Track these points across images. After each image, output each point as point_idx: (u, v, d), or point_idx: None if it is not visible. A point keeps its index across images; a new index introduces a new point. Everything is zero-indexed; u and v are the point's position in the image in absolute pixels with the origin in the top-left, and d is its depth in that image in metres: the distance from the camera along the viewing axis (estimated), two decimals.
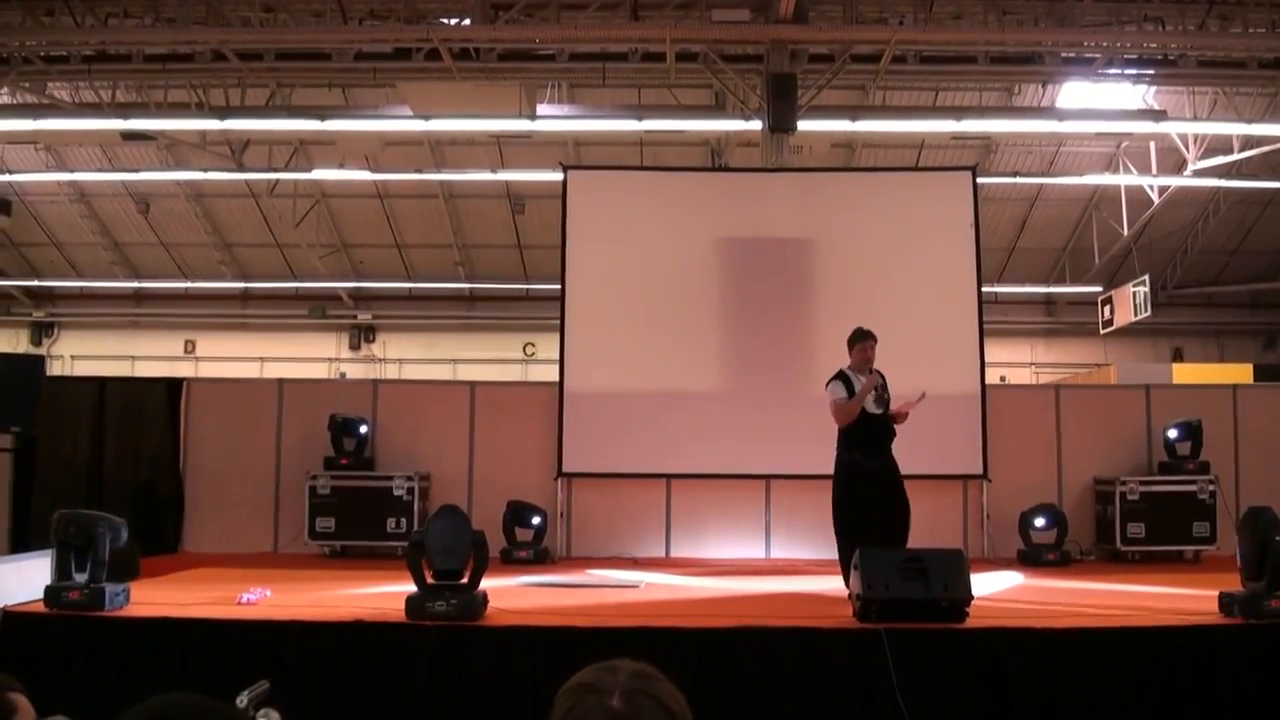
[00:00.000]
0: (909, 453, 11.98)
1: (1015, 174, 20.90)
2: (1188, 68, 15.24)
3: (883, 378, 8.94)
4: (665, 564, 11.71)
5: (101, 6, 14.73)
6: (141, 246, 24.66)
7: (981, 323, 12.43)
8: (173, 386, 13.00)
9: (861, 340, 8.97)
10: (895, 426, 8.87)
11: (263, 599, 7.96)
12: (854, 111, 16.58)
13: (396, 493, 11.88)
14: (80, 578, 7.29)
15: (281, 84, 17.06)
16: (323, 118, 16.80)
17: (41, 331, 26.37)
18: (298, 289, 25.34)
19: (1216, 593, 7.47)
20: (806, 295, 12.46)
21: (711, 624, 7.11)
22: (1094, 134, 19.26)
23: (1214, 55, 15.18)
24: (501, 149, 20.91)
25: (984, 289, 12.80)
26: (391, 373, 25.29)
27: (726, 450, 12.07)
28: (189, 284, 25.34)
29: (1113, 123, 17.64)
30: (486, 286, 25.06)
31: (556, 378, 12.50)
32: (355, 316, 25.99)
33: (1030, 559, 11.37)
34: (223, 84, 16.42)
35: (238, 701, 2.54)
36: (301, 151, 20.51)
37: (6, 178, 21.88)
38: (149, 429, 12.85)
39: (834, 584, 8.72)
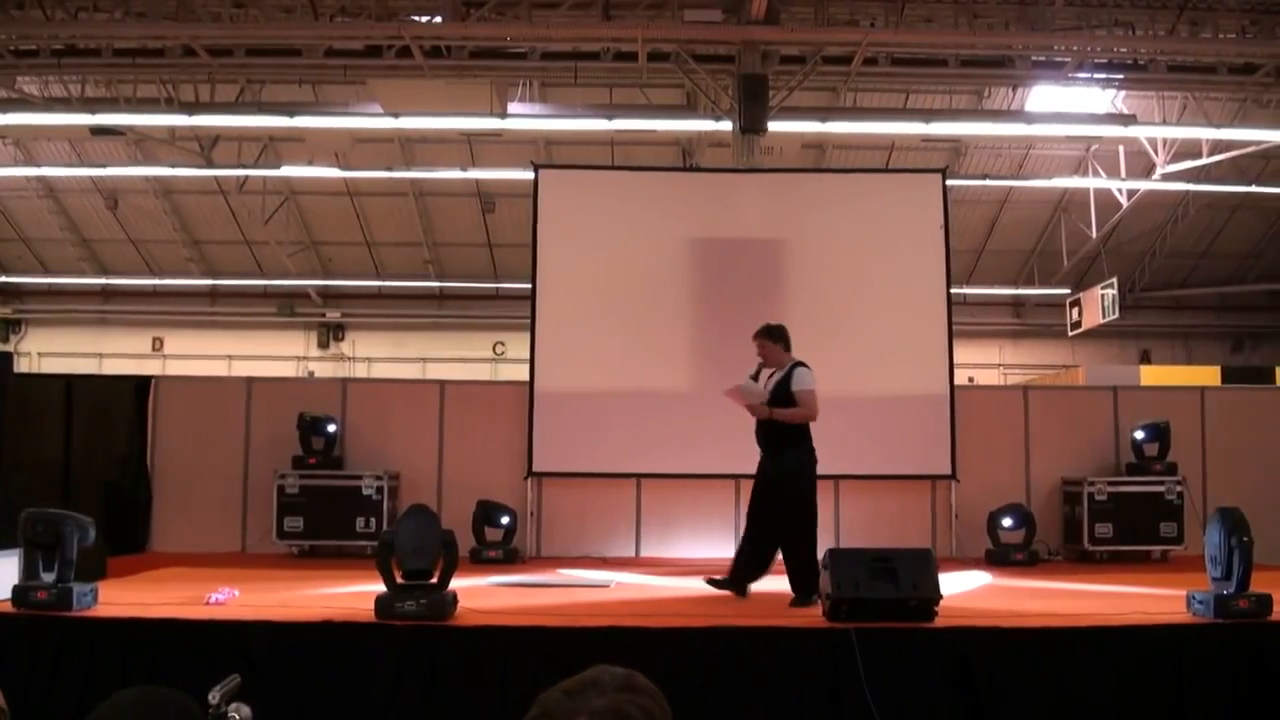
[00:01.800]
0: (879, 453, 12.12)
1: (985, 176, 21.01)
2: (1157, 72, 15.32)
3: (777, 378, 8.76)
4: (635, 564, 11.71)
5: (71, 1, 14.65)
6: (109, 243, 24.52)
7: (950, 324, 12.47)
8: (140, 385, 12.92)
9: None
10: (780, 427, 8.68)
11: (231, 599, 7.92)
12: (825, 113, 16.63)
13: (365, 492, 11.84)
14: (48, 577, 7.23)
15: (251, 80, 16.99)
16: (292, 114, 16.73)
17: (8, 328, 26.19)
18: (266, 287, 25.25)
19: (1184, 592, 7.51)
20: (777, 295, 12.46)
21: (681, 624, 7.11)
22: (1063, 137, 19.37)
23: (1184, 60, 15.26)
24: (472, 147, 20.88)
25: (953, 290, 12.83)
26: (360, 371, 25.24)
27: (696, 450, 12.06)
28: (157, 281, 25.21)
29: (1082, 126, 17.74)
30: (456, 285, 25.03)
31: (526, 377, 12.48)
32: (324, 315, 25.90)
33: (998, 559, 11.42)
34: (192, 79, 16.33)
35: (210, 697, 2.53)
36: (271, 148, 20.45)
37: None
38: (116, 427, 12.77)
39: None
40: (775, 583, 9.69)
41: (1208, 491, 12.16)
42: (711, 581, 8.88)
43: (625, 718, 1.83)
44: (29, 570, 7.36)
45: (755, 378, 8.84)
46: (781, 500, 8.65)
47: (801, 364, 8.76)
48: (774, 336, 8.82)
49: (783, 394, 8.64)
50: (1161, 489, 11.84)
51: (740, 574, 8.82)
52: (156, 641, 6.93)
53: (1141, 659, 6.82)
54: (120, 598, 7.83)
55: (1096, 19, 14.76)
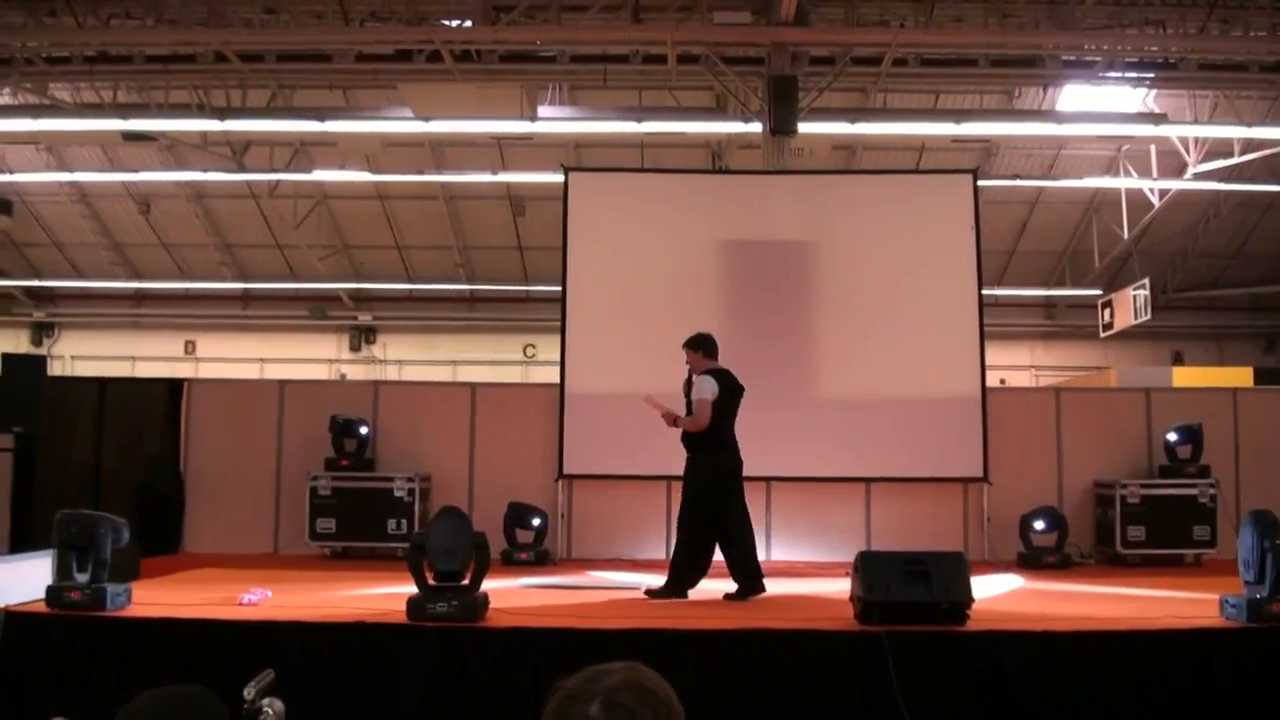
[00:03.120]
0: (910, 455, 12.06)
1: (1015, 177, 20.91)
2: (1188, 71, 15.26)
3: (688, 386, 9.26)
4: (665, 566, 11.66)
5: (103, 8, 14.75)
6: (142, 247, 24.68)
7: (982, 325, 12.42)
8: (173, 387, 13.01)
9: None
10: (683, 430, 9.23)
11: (264, 600, 7.96)
12: (854, 114, 16.61)
13: (397, 494, 11.87)
14: (81, 578, 7.29)
15: (283, 85, 17.08)
16: (323, 119, 16.82)
17: (42, 332, 26.39)
18: (298, 290, 25.35)
19: (1217, 596, 7.46)
20: (807, 297, 12.47)
21: (712, 626, 7.11)
22: (1094, 137, 19.29)
23: (1215, 58, 15.19)
24: (502, 150, 20.94)
25: (984, 292, 12.77)
26: (392, 374, 25.29)
27: None
28: (189, 284, 25.36)
29: (1113, 126, 17.66)
30: (487, 288, 25.08)
31: (557, 379, 12.48)
32: (356, 318, 26.01)
33: (1030, 562, 11.36)
34: (224, 85, 16.45)
35: (245, 692, 2.56)
36: (302, 152, 20.52)
37: (8, 178, 21.90)
38: (149, 429, 12.86)
39: (835, 586, 8.72)
40: (808, 585, 9.70)
41: (1241, 494, 12.08)
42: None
43: (640, 686, 1.96)
44: (63, 570, 7.42)
45: (689, 384, 9.27)
46: (684, 498, 9.27)
47: (708, 372, 9.20)
48: (694, 345, 9.38)
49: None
50: (1194, 492, 11.74)
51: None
52: (189, 642, 6.97)
53: (1174, 663, 6.78)
54: (154, 598, 7.88)
55: (1127, 17, 14.68)
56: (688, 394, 9.20)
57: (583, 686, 1.93)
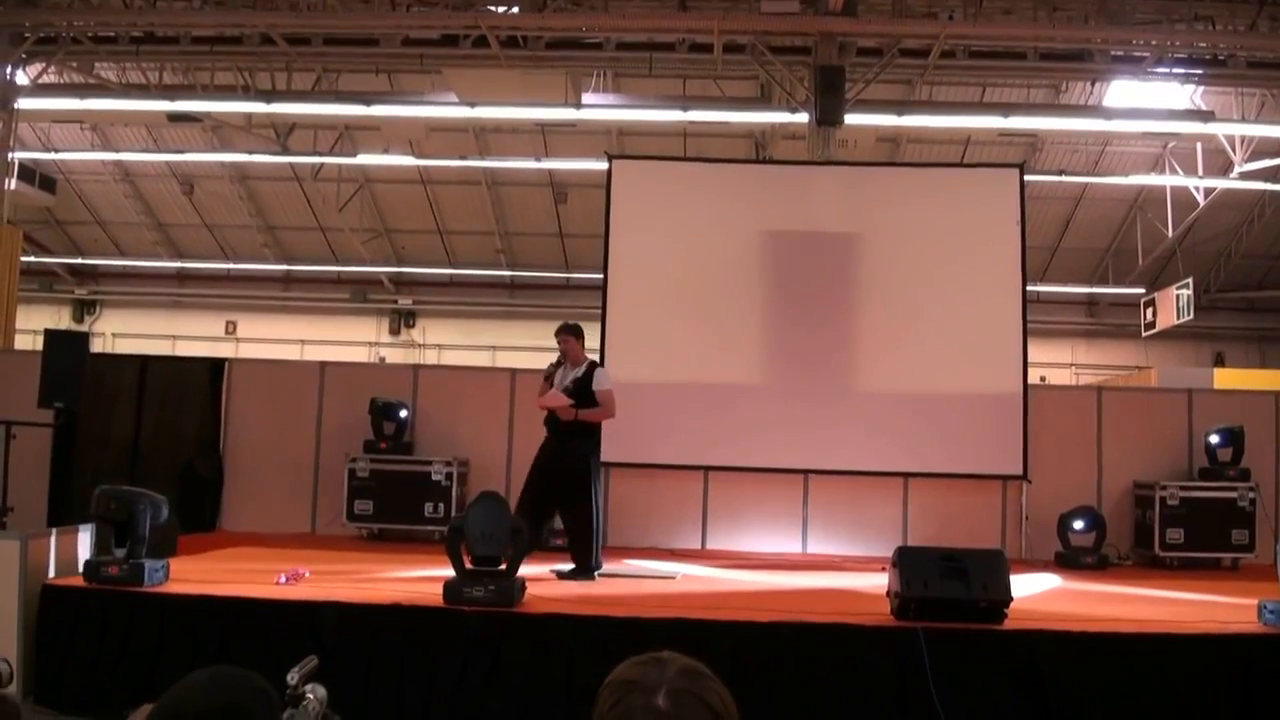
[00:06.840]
0: (949, 451, 11.99)
1: (1061, 172, 20.76)
2: (1237, 68, 15.11)
3: (576, 375, 9.54)
4: (701, 556, 11.68)
5: None
6: (185, 227, 24.85)
7: (1025, 322, 12.33)
8: (214, 366, 13.07)
9: None
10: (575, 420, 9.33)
11: (301, 579, 7.99)
12: (900, 106, 16.53)
13: (435, 477, 11.92)
14: (119, 553, 7.34)
15: (328, 69, 17.13)
16: (368, 103, 16.87)
17: (84, 309, 26.59)
18: (339, 273, 25.49)
19: (1255, 601, 7.38)
20: (849, 289, 12.41)
21: (748, 617, 7.09)
22: (1140, 134, 19.11)
23: (1264, 56, 15.03)
24: (545, 137, 20.95)
25: (1027, 288, 12.68)
26: (431, 358, 25.34)
27: (765, 444, 12.02)
28: (231, 265, 25.51)
29: (1160, 122, 17.50)
30: (528, 274, 25.11)
31: None
32: (396, 301, 26.09)
33: (1068, 562, 11.29)
34: (269, 68, 16.51)
35: (288, 678, 2.56)
36: (346, 136, 20.60)
37: (52, 156, 22.09)
38: (190, 408, 12.90)
39: (872, 581, 8.69)
40: (844, 579, 9.67)
41: None
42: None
43: (700, 673, 1.95)
44: (101, 546, 7.48)
45: (556, 367, 9.64)
46: (575, 485, 9.28)
47: (598, 364, 9.65)
48: (577, 334, 9.78)
49: (585, 391, 9.35)
50: (1234, 495, 11.64)
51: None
52: (226, 619, 7.02)
53: (1211, 668, 6.72)
54: (191, 575, 7.92)
55: (1176, 13, 14.58)
56: (549, 379, 9.52)
57: (643, 673, 1.91)
